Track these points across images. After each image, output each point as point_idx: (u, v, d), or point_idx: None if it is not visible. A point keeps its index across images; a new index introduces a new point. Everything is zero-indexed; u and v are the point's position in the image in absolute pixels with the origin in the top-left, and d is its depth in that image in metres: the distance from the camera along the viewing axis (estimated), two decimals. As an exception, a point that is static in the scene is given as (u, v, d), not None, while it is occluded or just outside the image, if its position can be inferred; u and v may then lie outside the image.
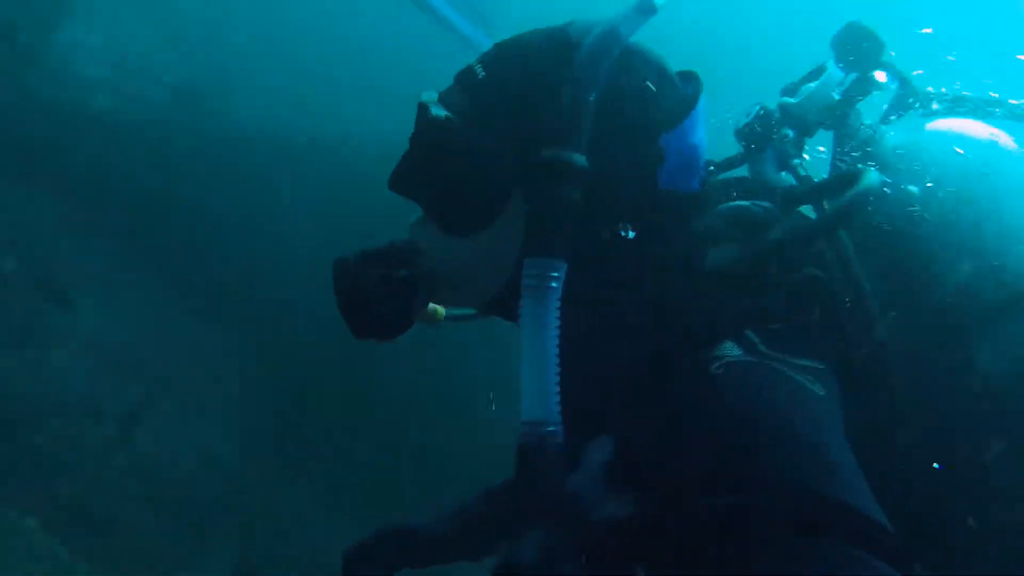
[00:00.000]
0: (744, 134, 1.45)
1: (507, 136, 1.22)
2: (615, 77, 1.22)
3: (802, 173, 1.41)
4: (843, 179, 1.30)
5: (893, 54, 1.51)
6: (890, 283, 1.30)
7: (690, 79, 1.32)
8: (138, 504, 4.91)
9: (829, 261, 1.28)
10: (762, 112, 1.45)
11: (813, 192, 1.36)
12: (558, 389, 1.11)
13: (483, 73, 1.26)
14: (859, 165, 1.36)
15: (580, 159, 1.16)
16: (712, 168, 1.45)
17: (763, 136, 1.43)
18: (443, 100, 1.26)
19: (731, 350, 1.17)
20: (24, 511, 4.47)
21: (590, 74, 1.19)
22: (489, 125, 1.23)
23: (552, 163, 1.16)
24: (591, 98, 1.18)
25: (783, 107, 1.45)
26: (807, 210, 1.38)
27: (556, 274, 1.14)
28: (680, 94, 1.28)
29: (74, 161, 6.32)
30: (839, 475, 1.04)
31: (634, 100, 1.23)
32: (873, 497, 1.05)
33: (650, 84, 1.24)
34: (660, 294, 1.25)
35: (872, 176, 1.24)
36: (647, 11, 1.21)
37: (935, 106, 1.52)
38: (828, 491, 1.01)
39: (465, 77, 1.27)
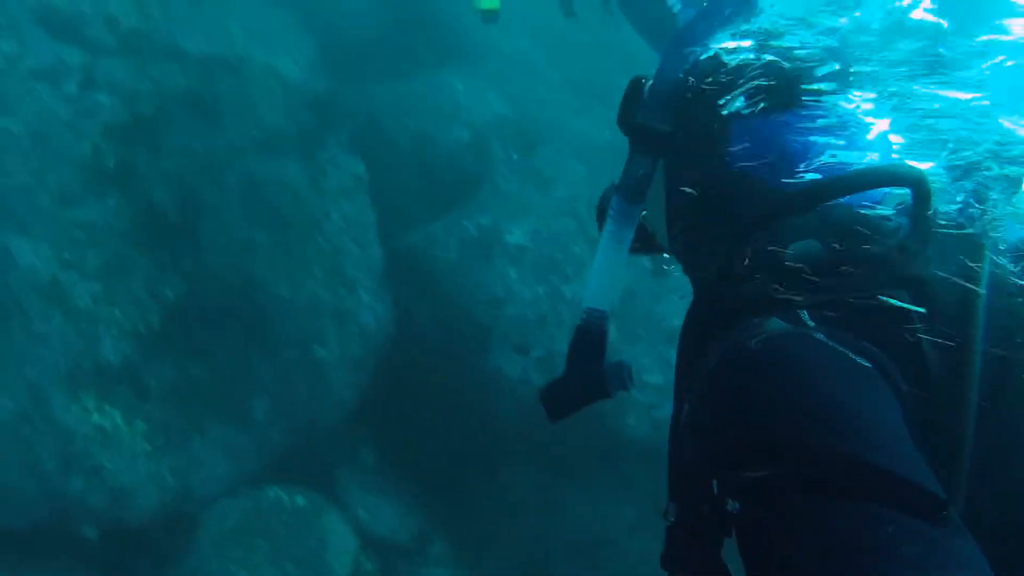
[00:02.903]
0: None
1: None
2: (702, 64, 1.41)
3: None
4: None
5: None
6: None
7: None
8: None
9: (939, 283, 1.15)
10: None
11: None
12: (616, 292, 1.35)
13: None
14: None
15: (656, 126, 1.42)
16: None
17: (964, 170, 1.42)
18: None
19: (775, 325, 1.16)
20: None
21: (668, 65, 1.43)
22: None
23: (636, 126, 1.45)
24: (678, 78, 1.41)
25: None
26: None
27: (629, 209, 1.45)
28: (779, 90, 1.30)
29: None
30: (881, 442, 1.00)
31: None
32: (926, 468, 0.99)
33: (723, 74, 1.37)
34: (716, 266, 1.26)
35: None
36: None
37: None
38: (868, 458, 0.96)
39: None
